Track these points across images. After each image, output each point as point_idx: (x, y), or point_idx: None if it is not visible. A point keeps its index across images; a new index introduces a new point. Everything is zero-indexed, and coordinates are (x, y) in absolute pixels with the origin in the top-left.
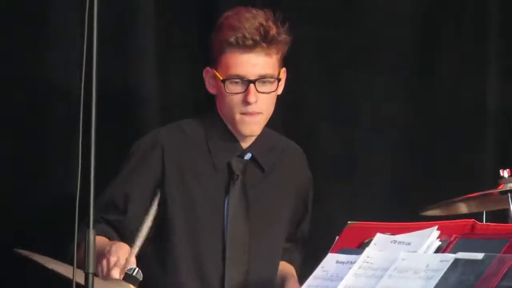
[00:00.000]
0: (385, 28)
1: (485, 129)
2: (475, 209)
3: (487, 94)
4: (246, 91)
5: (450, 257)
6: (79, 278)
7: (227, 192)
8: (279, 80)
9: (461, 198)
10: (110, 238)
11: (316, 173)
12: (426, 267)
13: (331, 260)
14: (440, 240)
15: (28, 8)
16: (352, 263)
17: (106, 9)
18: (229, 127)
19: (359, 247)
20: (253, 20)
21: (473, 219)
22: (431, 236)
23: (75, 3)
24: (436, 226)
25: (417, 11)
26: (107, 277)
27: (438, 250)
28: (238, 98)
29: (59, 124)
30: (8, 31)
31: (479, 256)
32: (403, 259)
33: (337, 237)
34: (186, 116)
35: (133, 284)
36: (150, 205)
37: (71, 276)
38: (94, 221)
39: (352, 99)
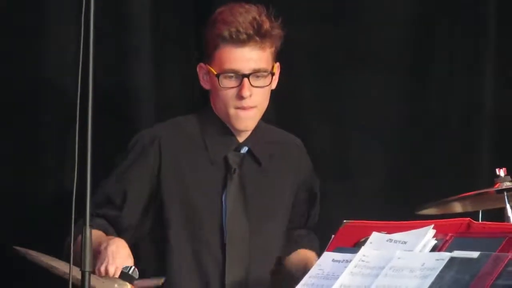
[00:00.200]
0: (380, 27)
1: (481, 128)
2: (471, 208)
3: (482, 93)
4: (240, 86)
5: (445, 255)
6: (76, 275)
7: (224, 186)
8: (273, 74)
9: (457, 197)
10: (106, 233)
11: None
12: (422, 265)
13: (327, 259)
14: (436, 239)
15: (23, 7)
16: (348, 261)
17: (101, 8)
18: (224, 121)
19: (355, 246)
20: (247, 14)
21: (469, 218)
22: (427, 235)
23: (72, 1)
24: (432, 225)
25: (413, 10)
26: (106, 276)
27: (434, 249)
28: (232, 93)
29: (53, 122)
30: (4, 30)
31: (475, 254)
32: (399, 258)
33: (332, 236)
34: (182, 114)
35: (129, 282)
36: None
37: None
38: (91, 216)
39: (347, 98)
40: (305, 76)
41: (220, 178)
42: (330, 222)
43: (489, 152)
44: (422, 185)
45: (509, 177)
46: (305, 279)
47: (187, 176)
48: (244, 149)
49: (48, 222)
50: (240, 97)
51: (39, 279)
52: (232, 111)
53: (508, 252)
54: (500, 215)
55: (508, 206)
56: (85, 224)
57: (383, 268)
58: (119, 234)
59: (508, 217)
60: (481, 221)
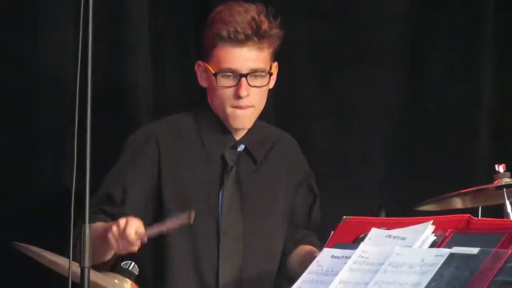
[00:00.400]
0: (379, 26)
1: (480, 125)
2: (470, 204)
3: (481, 89)
4: (237, 85)
5: (445, 251)
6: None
7: (221, 184)
8: (270, 74)
9: (456, 193)
10: None
11: (311, 169)
12: (421, 261)
13: (326, 255)
14: (435, 235)
15: (22, 3)
16: (347, 258)
17: (100, 6)
18: (221, 119)
19: (354, 242)
20: (245, 14)
21: (468, 214)
22: (426, 231)
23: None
24: (431, 221)
25: (412, 9)
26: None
27: (433, 245)
28: (229, 92)
29: (52, 118)
30: (2, 22)
31: (474, 250)
32: (398, 254)
33: (332, 232)
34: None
35: (129, 278)
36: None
37: (67, 269)
38: (92, 213)
39: (346, 96)
40: (304, 74)
41: (217, 175)
42: (328, 218)
43: (488, 149)
44: (421, 181)
45: (508, 173)
46: (304, 275)
47: (184, 173)
48: (241, 147)
49: (47, 220)
50: (237, 96)
51: (39, 277)
52: (229, 109)
53: (507, 248)
54: (499, 211)
55: (507, 202)
56: (84, 220)
57: (382, 264)
58: None
59: (508, 213)
60: (481, 217)
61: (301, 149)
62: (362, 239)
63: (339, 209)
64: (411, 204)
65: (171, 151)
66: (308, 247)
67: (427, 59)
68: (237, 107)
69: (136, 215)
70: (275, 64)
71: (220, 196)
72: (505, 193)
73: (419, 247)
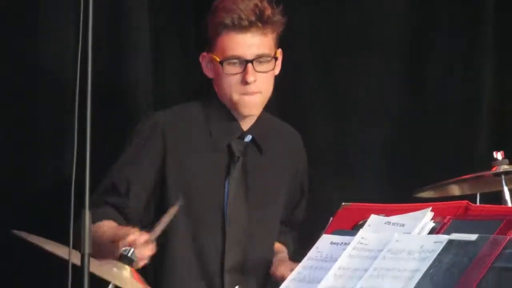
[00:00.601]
0: (382, 16)
1: (480, 125)
2: (468, 191)
3: (481, 81)
4: (244, 71)
5: (444, 238)
6: (76, 259)
7: (227, 173)
8: (276, 59)
9: (454, 180)
10: (116, 222)
11: (312, 157)
12: (420, 248)
13: (325, 241)
14: (434, 222)
15: (22, 3)
16: (346, 244)
17: (100, 6)
18: (229, 109)
19: (353, 228)
20: (248, 1)
21: (466, 201)
22: (425, 218)
23: None
24: (430, 208)
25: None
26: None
27: (432, 232)
28: (236, 79)
29: (52, 118)
30: (2, 21)
31: (473, 237)
32: (397, 240)
33: (331, 219)
34: None
35: (128, 265)
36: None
37: (67, 257)
38: (98, 204)
39: (348, 85)
40: (305, 63)
41: (223, 165)
42: (328, 204)
43: (488, 148)
44: (420, 169)
45: (506, 160)
46: (304, 262)
47: (191, 162)
48: (248, 138)
49: (47, 220)
50: (244, 82)
51: (39, 277)
52: (236, 97)
53: (506, 234)
54: (497, 198)
55: (505, 189)
56: (84, 207)
57: (381, 250)
58: (128, 221)
59: (506, 200)
60: (479, 204)
61: (302, 136)
62: (361, 225)
63: (339, 195)
64: (410, 190)
65: (177, 140)
66: (277, 245)
67: (429, 51)
68: (244, 93)
69: (141, 205)
70: (280, 50)
71: (226, 185)
72: (503, 180)
73: (418, 233)
